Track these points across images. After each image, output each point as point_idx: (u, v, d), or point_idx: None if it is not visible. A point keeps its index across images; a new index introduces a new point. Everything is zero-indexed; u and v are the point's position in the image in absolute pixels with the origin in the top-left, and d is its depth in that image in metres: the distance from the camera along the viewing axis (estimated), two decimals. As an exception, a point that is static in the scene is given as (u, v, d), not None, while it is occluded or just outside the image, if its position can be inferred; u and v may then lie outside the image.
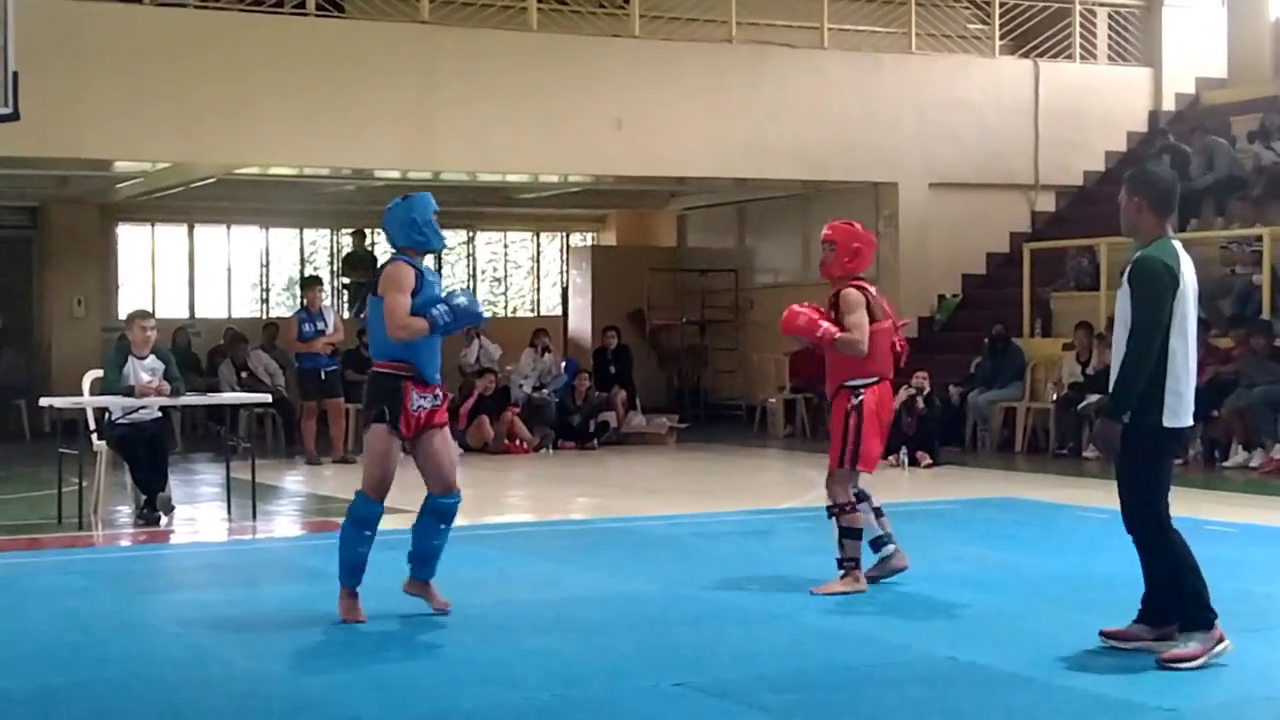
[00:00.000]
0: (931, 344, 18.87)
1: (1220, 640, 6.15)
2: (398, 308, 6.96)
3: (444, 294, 7.20)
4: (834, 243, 7.98)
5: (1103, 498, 12.22)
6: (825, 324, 7.80)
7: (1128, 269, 6.27)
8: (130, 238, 21.83)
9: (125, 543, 10.56)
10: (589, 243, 24.62)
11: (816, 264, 22.28)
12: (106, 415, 11.00)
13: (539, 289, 24.97)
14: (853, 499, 7.75)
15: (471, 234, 24.18)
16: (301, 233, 23.09)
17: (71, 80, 14.74)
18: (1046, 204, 19.89)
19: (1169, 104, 20.50)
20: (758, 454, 17.14)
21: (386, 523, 8.89)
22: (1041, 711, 5.63)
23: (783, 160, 18.13)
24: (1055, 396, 16.01)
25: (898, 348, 8.04)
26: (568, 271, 23.90)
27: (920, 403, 15.02)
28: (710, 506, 11.85)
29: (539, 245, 24.94)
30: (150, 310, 11.96)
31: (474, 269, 24.33)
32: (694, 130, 17.59)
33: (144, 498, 10.92)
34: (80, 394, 11.46)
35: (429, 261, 7.55)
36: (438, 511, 7.22)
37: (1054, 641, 6.56)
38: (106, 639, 6.92)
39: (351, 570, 7.10)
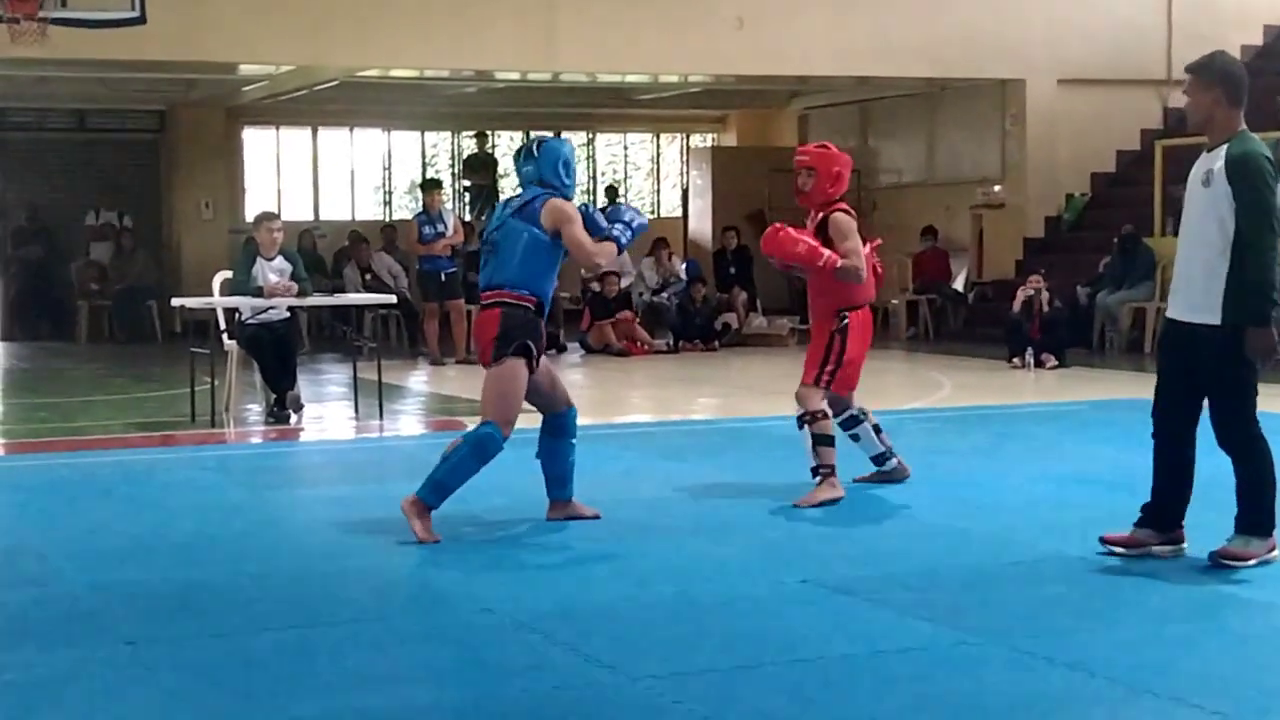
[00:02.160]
0: (1059, 244, 18.58)
1: (1273, 549, 6.09)
2: (585, 238, 6.88)
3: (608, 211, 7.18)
4: (814, 169, 7.71)
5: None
6: (826, 251, 7.57)
7: (1218, 166, 5.96)
8: (255, 140, 22.07)
9: (256, 440, 10.76)
10: (709, 143, 24.46)
11: (941, 163, 22.10)
12: (236, 315, 11.17)
13: (659, 190, 24.90)
14: (824, 408, 7.59)
15: (591, 136, 24.13)
16: (423, 135, 23.19)
17: (196, -17, 14.86)
18: (1179, 100, 19.24)
19: (1309, -4, 19.83)
20: (880, 355, 16.95)
21: (518, 421, 8.97)
22: (1176, 612, 5.57)
23: (907, 58, 17.81)
24: (1186, 297, 15.67)
25: (878, 270, 7.88)
26: (688, 173, 23.79)
27: (1042, 305, 14.79)
28: (833, 407, 11.80)
29: (659, 146, 24.83)
30: (276, 212, 12.10)
31: (594, 171, 24.30)
32: (816, 28, 17.32)
33: (273, 396, 11.10)
34: (210, 295, 11.65)
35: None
36: (566, 428, 7.17)
37: (1190, 542, 6.46)
38: (241, 532, 7.07)
39: (443, 493, 6.77)
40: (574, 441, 7.20)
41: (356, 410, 11.44)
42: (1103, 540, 6.34)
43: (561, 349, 16.99)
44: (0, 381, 15.31)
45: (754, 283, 19.02)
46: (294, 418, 11.03)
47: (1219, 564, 6.04)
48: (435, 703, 4.60)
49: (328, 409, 12.08)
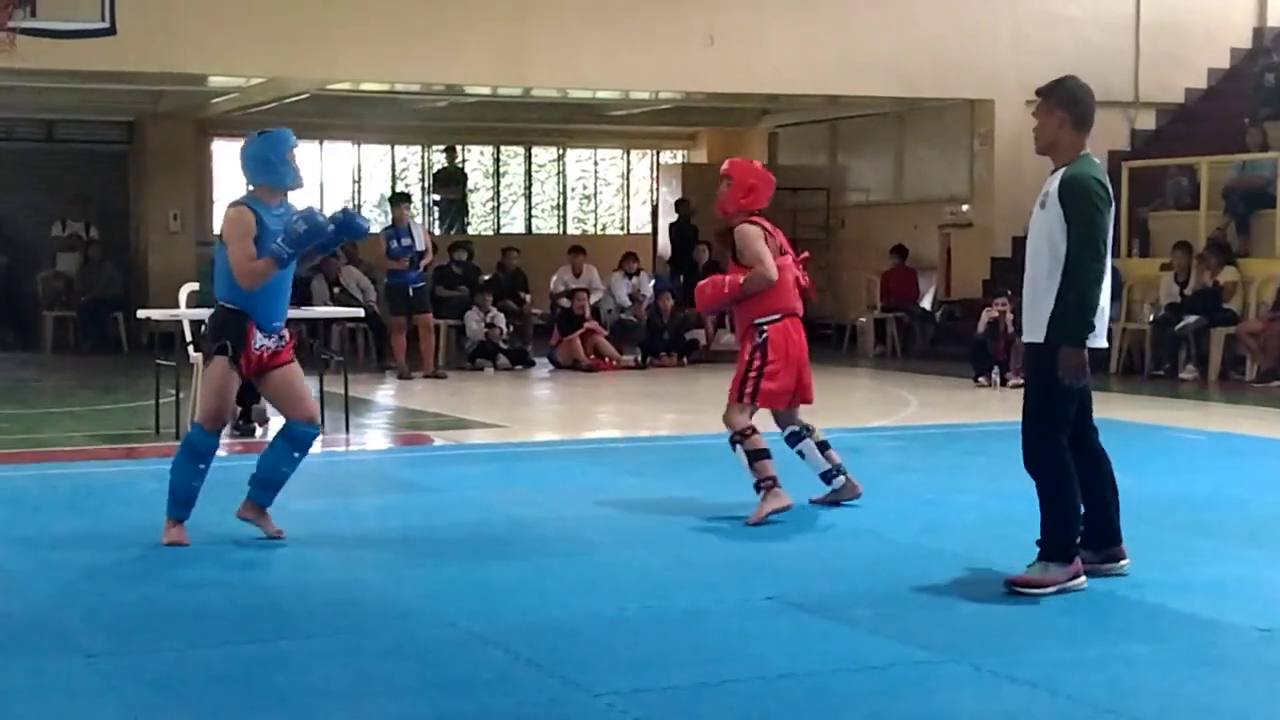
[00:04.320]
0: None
1: (1077, 575, 6.00)
2: (238, 256, 6.80)
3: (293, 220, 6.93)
4: (729, 178, 7.77)
5: (1200, 419, 12.11)
6: (728, 278, 7.64)
7: (1053, 188, 6.02)
8: (224, 153, 21.99)
9: (221, 453, 10.65)
10: (679, 160, 24.50)
11: (910, 182, 22.15)
12: (202, 328, 11.11)
13: (629, 207, 24.92)
14: (752, 425, 7.54)
15: (562, 151, 24.14)
16: (393, 149, 23.16)
17: (167, -5, 14.82)
18: (1146, 122, 19.49)
19: (1274, 20, 19.96)
20: (848, 373, 17.06)
21: (475, 436, 8.96)
22: (1139, 632, 5.59)
23: (877, 77, 17.89)
24: (1152, 317, 15.79)
25: (802, 283, 7.81)
26: (658, 189, 23.81)
27: (1007, 326, 14.86)
28: (800, 424, 11.81)
29: (629, 163, 24.86)
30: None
31: (564, 186, 24.31)
32: (787, 46, 17.39)
33: (239, 409, 11.04)
34: (177, 306, 11.61)
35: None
36: (296, 438, 7.14)
37: (1148, 562, 6.49)
38: (204, 546, 7.02)
39: (181, 502, 6.96)
40: (297, 455, 7.15)
41: (323, 424, 11.37)
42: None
43: (530, 364, 16.98)
44: (-36, 392, 15.20)
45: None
46: (259, 431, 10.98)
47: (1014, 591, 5.94)
48: (398, 717, 4.58)
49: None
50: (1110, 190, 6.07)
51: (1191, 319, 15.19)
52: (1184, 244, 15.71)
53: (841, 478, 7.92)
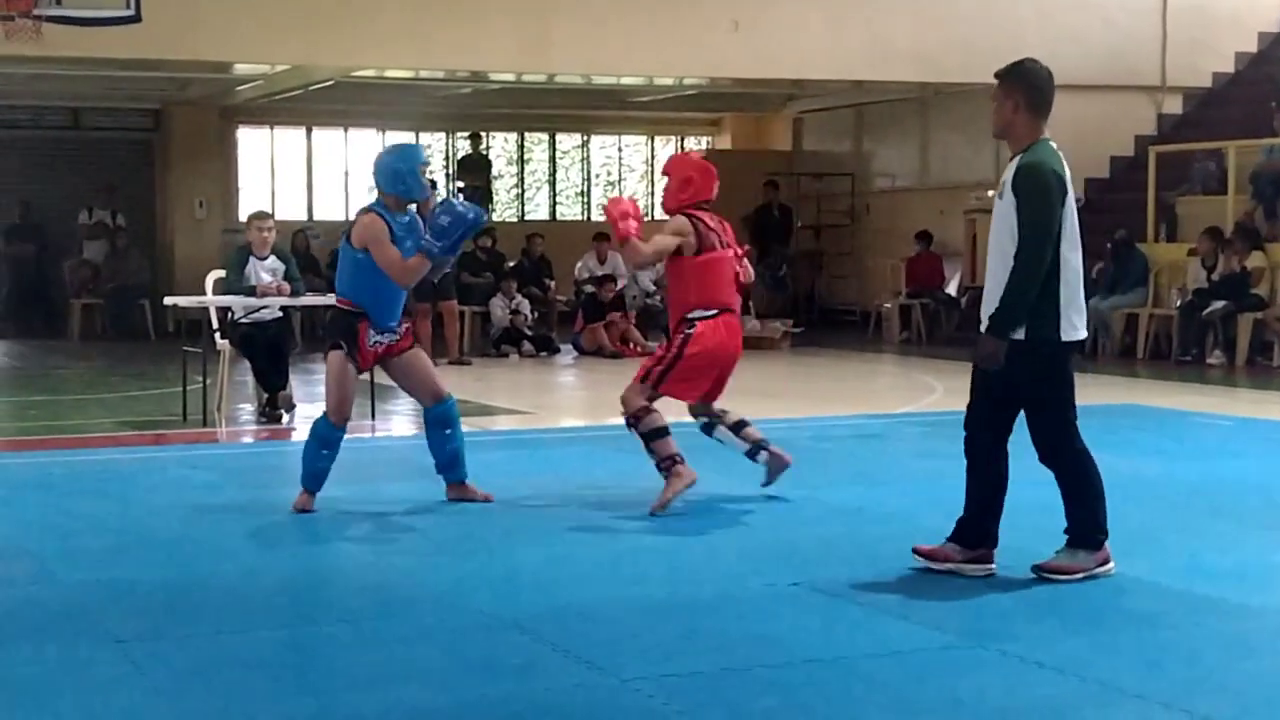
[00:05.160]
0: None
1: (1105, 562, 5.95)
2: (392, 258, 7.18)
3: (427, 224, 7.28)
4: (667, 175, 7.85)
5: (1227, 405, 12.06)
6: (633, 224, 7.46)
7: (1009, 177, 5.89)
8: (250, 140, 22.06)
9: (248, 439, 10.74)
10: (704, 146, 24.47)
11: (935, 168, 22.08)
12: (229, 315, 11.17)
13: (653, 193, 24.87)
14: (646, 404, 7.44)
15: (586, 138, 24.13)
16: (417, 136, 23.16)
17: (192, -18, 14.84)
18: (1173, 106, 19.39)
19: (1303, 3, 19.87)
20: (873, 359, 17.05)
21: (500, 423, 8.98)
22: (1166, 617, 5.57)
23: (901, 62, 17.82)
24: (1179, 302, 15.72)
25: (742, 279, 7.81)
26: (682, 175, 23.73)
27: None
28: (825, 410, 11.80)
29: (653, 149, 24.83)
30: (269, 212, 12.11)
31: (588, 173, 24.30)
32: (811, 32, 17.33)
33: (265, 396, 11.09)
34: (203, 294, 11.65)
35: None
36: (438, 420, 7.56)
37: (1179, 547, 6.48)
38: (232, 532, 7.06)
39: (313, 476, 7.42)
40: (449, 431, 7.55)
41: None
42: (914, 551, 6.17)
43: (554, 351, 16.99)
44: (-8, 379, 15.29)
45: (747, 285, 19.00)
46: (286, 417, 11.03)
47: (1042, 578, 5.91)
48: (425, 703, 4.59)
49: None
50: (1065, 180, 5.89)
51: (1219, 304, 15.12)
52: (1211, 229, 15.64)
53: (765, 453, 7.75)
